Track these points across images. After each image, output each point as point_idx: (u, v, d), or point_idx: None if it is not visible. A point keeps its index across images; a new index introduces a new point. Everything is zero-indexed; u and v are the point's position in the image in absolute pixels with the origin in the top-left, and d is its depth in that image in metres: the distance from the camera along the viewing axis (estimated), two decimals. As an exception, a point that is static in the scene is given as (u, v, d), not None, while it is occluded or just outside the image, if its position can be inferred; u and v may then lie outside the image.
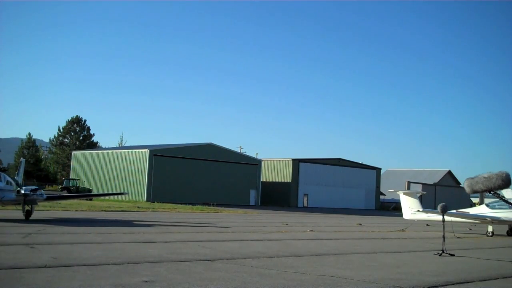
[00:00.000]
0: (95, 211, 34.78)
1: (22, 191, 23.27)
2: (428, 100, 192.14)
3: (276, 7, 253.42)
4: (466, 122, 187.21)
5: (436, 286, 10.24)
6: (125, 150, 66.35)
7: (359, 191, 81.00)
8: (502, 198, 14.80)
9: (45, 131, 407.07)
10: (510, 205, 21.35)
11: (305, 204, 73.36)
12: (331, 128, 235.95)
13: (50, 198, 31.35)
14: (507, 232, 27.95)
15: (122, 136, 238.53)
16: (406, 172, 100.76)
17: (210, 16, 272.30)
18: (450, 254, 15.76)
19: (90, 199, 48.00)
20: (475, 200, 79.19)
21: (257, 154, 78.12)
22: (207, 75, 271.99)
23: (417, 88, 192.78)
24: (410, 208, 29.15)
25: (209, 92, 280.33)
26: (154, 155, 60.69)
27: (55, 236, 16.76)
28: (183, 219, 31.12)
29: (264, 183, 71.11)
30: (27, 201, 23.51)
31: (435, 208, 21.35)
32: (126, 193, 24.46)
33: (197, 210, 44.09)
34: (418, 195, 31.40)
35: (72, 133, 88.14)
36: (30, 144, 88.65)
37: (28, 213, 23.73)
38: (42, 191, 25.36)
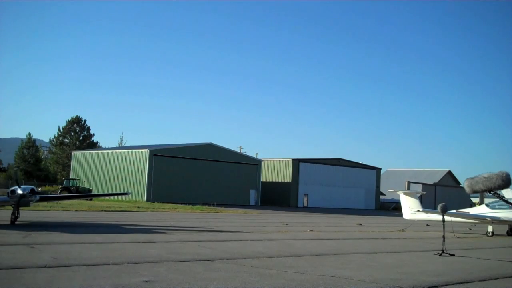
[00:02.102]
0: (95, 211, 34.77)
1: (20, 191, 20.63)
2: (428, 100, 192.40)
3: (276, 7, 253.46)
4: (466, 122, 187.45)
5: (436, 286, 10.23)
6: (125, 150, 66.35)
7: (359, 191, 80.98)
8: (502, 198, 14.80)
9: (45, 131, 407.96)
10: (510, 205, 21.35)
11: (305, 204, 73.34)
12: (331, 128, 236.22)
13: (52, 198, 29.20)
14: (507, 232, 27.92)
15: (122, 136, 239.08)
16: (406, 172, 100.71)
17: (210, 16, 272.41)
18: (450, 254, 15.75)
19: (90, 199, 47.94)
20: (475, 200, 79.19)
21: (257, 154, 78.22)
22: (207, 75, 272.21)
23: (417, 88, 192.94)
24: (410, 208, 29.13)
25: (209, 92, 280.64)
26: (154, 155, 60.69)
27: (55, 236, 16.75)
28: (184, 220, 31.11)
29: (264, 183, 71.10)
30: (21, 203, 20.98)
31: (435, 208, 21.35)
32: (129, 193, 22.33)
33: (197, 210, 44.09)
34: (418, 195, 31.37)
35: (72, 133, 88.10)
36: (30, 144, 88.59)
37: (15, 217, 21.00)
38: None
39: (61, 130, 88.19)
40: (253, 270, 11.19)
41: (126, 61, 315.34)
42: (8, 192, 21.31)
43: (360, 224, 33.20)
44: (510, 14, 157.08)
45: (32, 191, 21.36)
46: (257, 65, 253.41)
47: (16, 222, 20.78)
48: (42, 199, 23.26)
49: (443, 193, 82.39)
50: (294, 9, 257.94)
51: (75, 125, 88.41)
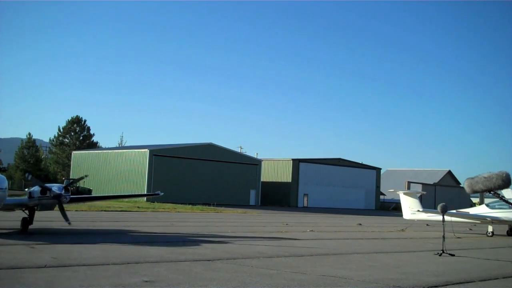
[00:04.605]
0: (95, 211, 34.77)
1: (55, 190, 17.16)
2: (428, 100, 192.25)
3: (276, 8, 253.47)
4: (466, 122, 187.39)
5: (436, 286, 10.24)
6: (125, 150, 66.34)
7: (359, 191, 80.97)
8: (502, 198, 14.78)
9: (45, 131, 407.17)
10: (510, 205, 21.34)
11: (305, 204, 73.34)
12: (331, 128, 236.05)
13: (83, 199, 25.89)
14: (507, 232, 27.94)
15: (122, 136, 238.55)
16: (406, 172, 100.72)
17: (211, 16, 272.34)
18: (450, 254, 15.76)
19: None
20: (475, 200, 79.20)
21: (257, 154, 78.19)
22: (207, 75, 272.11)
23: (417, 88, 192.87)
24: (410, 208, 29.13)
25: (209, 92, 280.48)
26: (154, 155, 60.68)
27: (55, 236, 16.75)
28: (184, 220, 31.12)
29: (264, 183, 71.09)
30: (43, 205, 17.66)
31: (435, 208, 21.35)
32: (160, 194, 20.06)
33: (197, 210, 44.12)
34: (418, 195, 31.37)
35: (72, 133, 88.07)
36: (30, 144, 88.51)
37: (27, 222, 17.90)
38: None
39: (61, 130, 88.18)
40: (253, 270, 11.19)
41: (126, 61, 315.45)
42: (30, 192, 17.54)
43: (360, 224, 33.20)
44: (510, 14, 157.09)
45: (66, 190, 17.78)
46: (257, 65, 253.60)
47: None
48: (72, 200, 19.16)
49: (443, 193, 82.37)
50: (294, 9, 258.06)
51: (75, 125, 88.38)
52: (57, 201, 17.19)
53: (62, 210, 17.21)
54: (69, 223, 17.28)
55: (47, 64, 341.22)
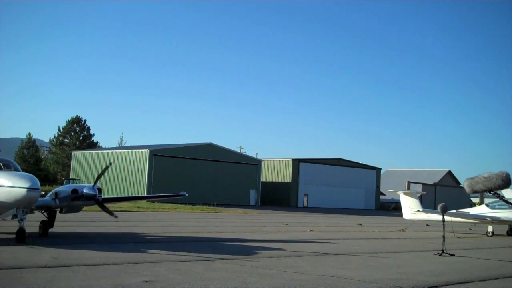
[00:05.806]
0: (95, 211, 34.67)
1: (85, 190, 15.83)
2: (428, 100, 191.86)
3: (277, 7, 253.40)
4: (466, 122, 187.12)
5: (436, 286, 10.24)
6: (125, 150, 66.36)
7: (359, 191, 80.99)
8: (502, 198, 14.76)
9: (45, 131, 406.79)
10: (510, 205, 21.34)
11: (305, 204, 73.35)
12: (331, 128, 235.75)
13: (111, 200, 22.63)
14: (507, 232, 27.96)
15: (122, 136, 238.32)
16: (406, 172, 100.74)
17: (210, 16, 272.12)
18: (450, 254, 15.77)
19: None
20: (475, 200, 79.21)
21: (257, 154, 78.17)
22: (207, 75, 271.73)
23: (417, 88, 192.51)
24: (410, 208, 29.14)
25: (209, 92, 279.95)
26: (154, 155, 60.70)
27: (55, 237, 16.74)
28: (184, 220, 31.11)
29: (264, 183, 71.10)
30: (71, 207, 16.83)
31: (435, 208, 21.36)
32: (185, 195, 19.32)
33: (197, 210, 44.13)
34: (418, 195, 31.39)
35: (72, 133, 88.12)
36: (30, 144, 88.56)
37: (47, 225, 16.71)
38: None
39: (61, 130, 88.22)
40: (253, 270, 11.19)
41: (126, 61, 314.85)
42: (57, 192, 16.26)
43: (360, 224, 33.21)
44: (510, 14, 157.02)
45: (99, 191, 16.33)
46: (257, 65, 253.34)
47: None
48: (103, 201, 17.41)
49: (443, 193, 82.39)
50: (294, 9, 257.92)
51: (75, 125, 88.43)
52: (74, 204, 16.21)
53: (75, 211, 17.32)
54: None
55: (47, 64, 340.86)
